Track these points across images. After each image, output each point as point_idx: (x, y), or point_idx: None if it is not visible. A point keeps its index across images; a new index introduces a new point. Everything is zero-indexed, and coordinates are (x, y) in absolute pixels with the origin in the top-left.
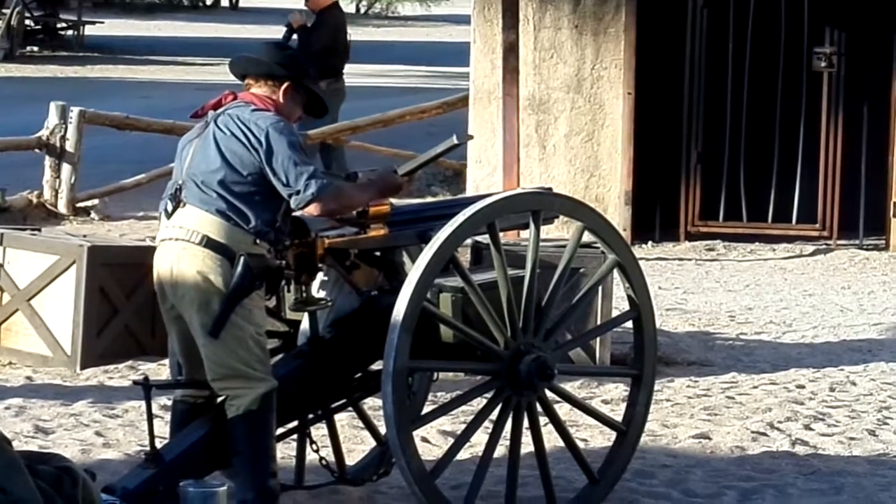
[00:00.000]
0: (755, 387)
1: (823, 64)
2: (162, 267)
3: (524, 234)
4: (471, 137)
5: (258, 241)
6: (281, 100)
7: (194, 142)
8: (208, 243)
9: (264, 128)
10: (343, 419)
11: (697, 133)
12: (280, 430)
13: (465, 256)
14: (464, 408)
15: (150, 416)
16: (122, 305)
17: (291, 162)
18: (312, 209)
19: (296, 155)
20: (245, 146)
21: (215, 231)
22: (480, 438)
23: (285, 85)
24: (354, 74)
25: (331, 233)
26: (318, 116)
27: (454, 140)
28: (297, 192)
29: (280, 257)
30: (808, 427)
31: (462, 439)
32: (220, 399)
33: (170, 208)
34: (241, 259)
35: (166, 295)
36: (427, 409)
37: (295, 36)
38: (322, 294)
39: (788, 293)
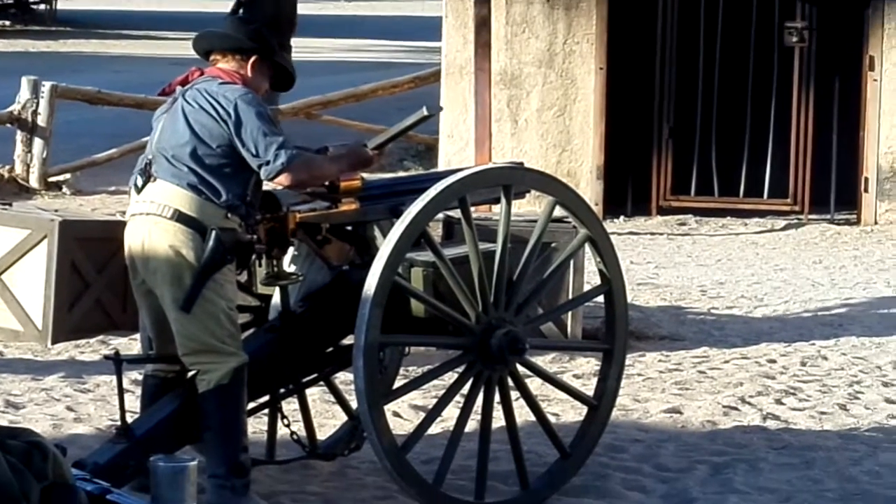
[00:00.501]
0: (726, 361)
1: (795, 39)
2: (133, 242)
3: (496, 208)
4: (441, 109)
5: (229, 215)
6: (249, 74)
7: (162, 117)
8: (180, 217)
9: (232, 99)
10: (314, 394)
11: (669, 108)
12: (251, 405)
13: (436, 231)
14: (435, 382)
15: (121, 391)
16: (94, 280)
17: (261, 132)
18: (283, 179)
19: (265, 125)
20: (213, 118)
21: (186, 205)
22: (452, 413)
23: (252, 59)
24: (326, 49)
25: (302, 207)
26: (285, 90)
27: (424, 112)
28: (267, 163)
29: (251, 231)
30: (779, 401)
31: (433, 414)
32: (190, 374)
33: (140, 183)
34: (213, 233)
35: (137, 270)
36: (398, 383)
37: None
38: (293, 268)
39: (760, 268)
